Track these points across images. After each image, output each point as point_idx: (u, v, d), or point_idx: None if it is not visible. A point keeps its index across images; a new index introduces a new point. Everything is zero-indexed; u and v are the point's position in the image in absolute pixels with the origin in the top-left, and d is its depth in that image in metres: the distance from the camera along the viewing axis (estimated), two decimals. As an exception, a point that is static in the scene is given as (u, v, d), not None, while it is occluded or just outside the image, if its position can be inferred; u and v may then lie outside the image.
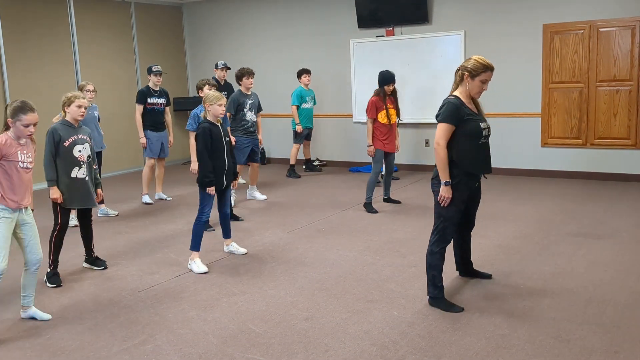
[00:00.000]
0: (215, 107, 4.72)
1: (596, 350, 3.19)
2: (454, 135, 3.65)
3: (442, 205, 3.69)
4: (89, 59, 9.52)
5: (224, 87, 8.20)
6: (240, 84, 7.07)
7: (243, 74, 7.04)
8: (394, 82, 6.67)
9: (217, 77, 8.29)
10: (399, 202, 6.94)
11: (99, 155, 6.43)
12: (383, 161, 6.72)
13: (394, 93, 6.73)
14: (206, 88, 6.16)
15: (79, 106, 4.54)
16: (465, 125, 3.64)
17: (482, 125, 3.70)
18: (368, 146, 6.60)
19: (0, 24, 8.37)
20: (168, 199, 7.67)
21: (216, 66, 8.50)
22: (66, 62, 9.22)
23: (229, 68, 8.49)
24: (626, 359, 3.09)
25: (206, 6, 10.93)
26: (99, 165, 6.45)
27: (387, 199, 6.96)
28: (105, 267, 4.91)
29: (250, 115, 7.03)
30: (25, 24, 8.69)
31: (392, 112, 6.65)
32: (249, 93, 7.09)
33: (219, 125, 4.81)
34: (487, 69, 3.60)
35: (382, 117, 6.56)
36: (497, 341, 3.33)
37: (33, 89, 8.61)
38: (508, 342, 3.32)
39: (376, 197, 6.85)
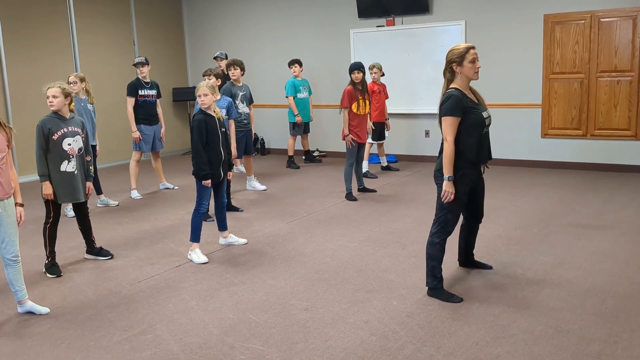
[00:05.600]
0: (197, 99, 4.72)
1: (595, 340, 3.19)
2: (459, 127, 3.64)
3: (444, 201, 3.68)
4: (88, 48, 9.48)
5: (227, 77, 8.11)
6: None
7: (228, 65, 7.07)
8: (359, 70, 6.53)
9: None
10: (374, 191, 6.99)
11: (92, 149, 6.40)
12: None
13: (363, 85, 6.65)
14: (207, 79, 6.07)
15: (47, 97, 4.40)
16: (468, 117, 3.64)
17: (484, 114, 3.71)
18: (345, 136, 6.57)
19: (-2, 13, 8.35)
20: (175, 188, 7.66)
21: (215, 58, 8.48)
22: (65, 52, 9.19)
23: (223, 58, 8.47)
24: (625, 349, 3.10)
25: (205, -4, 10.89)
26: (94, 158, 6.43)
27: (363, 189, 6.97)
28: (112, 257, 4.91)
29: (242, 107, 7.02)
30: (24, 13, 8.65)
31: (363, 103, 6.62)
32: (241, 84, 7.07)
33: (215, 116, 4.79)
34: (468, 49, 3.64)
35: (355, 107, 6.54)
36: (496, 331, 3.34)
37: (32, 79, 8.59)
38: (507, 332, 3.33)
39: (382, 187, 6.85)
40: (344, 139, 6.62)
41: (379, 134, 8.10)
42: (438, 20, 8.65)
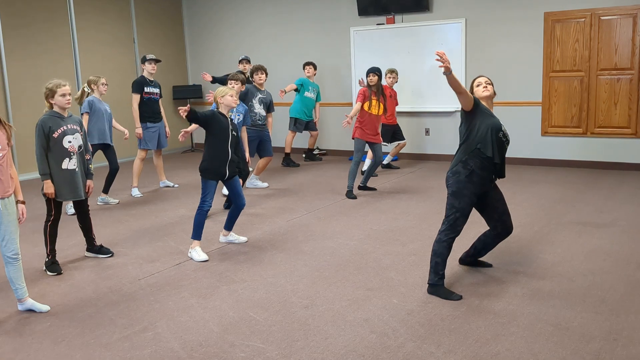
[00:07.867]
0: (226, 97, 4.79)
1: (595, 338, 3.20)
2: (476, 125, 3.81)
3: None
4: (88, 46, 9.48)
5: (248, 81, 8.03)
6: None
7: (253, 70, 7.27)
8: (374, 73, 6.65)
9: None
10: (374, 189, 7.02)
11: (110, 148, 6.47)
12: (370, 151, 6.96)
13: (378, 87, 6.70)
14: (232, 83, 6.18)
15: (63, 95, 4.39)
16: (484, 116, 3.84)
17: (500, 122, 3.90)
18: (345, 115, 6.75)
19: (-2, 11, 8.34)
20: (175, 186, 7.67)
21: (241, 61, 8.57)
22: (65, 50, 9.19)
23: (248, 61, 8.50)
24: (625, 347, 3.10)
25: (205, -6, 10.87)
26: (113, 157, 6.51)
27: (363, 187, 7.03)
28: (112, 255, 4.92)
29: (258, 108, 7.11)
30: (24, 11, 8.64)
31: (376, 104, 6.67)
32: (262, 89, 7.23)
33: (229, 119, 4.84)
34: (475, 78, 4.09)
35: (367, 106, 6.65)
36: (496, 329, 3.35)
37: (32, 77, 8.59)
38: (507, 329, 3.33)
39: (382, 185, 6.84)
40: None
41: (390, 136, 8.13)
42: (438, 18, 8.65)
